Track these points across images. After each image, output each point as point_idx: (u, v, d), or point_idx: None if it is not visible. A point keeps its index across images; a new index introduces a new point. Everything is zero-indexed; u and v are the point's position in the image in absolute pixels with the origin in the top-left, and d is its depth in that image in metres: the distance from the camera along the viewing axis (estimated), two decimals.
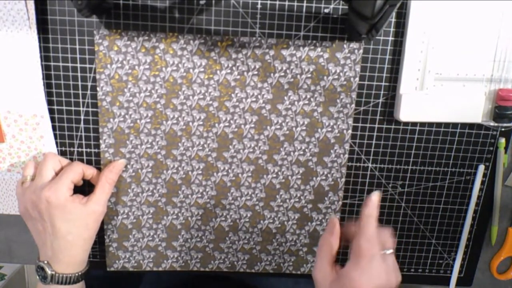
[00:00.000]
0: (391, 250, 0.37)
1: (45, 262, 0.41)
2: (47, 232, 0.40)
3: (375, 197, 0.37)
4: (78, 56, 0.42)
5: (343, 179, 0.47)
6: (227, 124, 0.44)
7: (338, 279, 0.37)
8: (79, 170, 0.42)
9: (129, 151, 0.45)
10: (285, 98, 0.44)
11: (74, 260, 0.42)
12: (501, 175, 0.47)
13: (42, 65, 0.42)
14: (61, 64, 0.42)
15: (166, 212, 0.47)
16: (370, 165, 0.47)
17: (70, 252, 0.41)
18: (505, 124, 0.44)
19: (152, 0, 0.41)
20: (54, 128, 0.44)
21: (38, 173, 0.41)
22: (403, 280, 0.52)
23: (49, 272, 0.40)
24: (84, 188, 0.46)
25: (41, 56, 0.41)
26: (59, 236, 0.40)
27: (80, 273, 0.42)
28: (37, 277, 0.42)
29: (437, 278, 0.52)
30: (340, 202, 0.48)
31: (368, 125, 0.45)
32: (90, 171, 0.44)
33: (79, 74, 0.42)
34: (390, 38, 0.43)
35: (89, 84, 0.43)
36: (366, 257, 0.36)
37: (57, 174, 0.42)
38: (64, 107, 0.43)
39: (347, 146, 0.46)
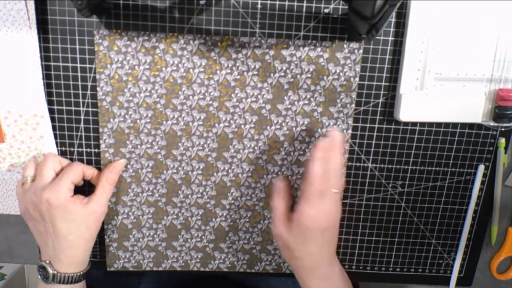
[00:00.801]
0: (337, 190, 0.40)
1: (47, 262, 0.41)
2: (48, 232, 0.41)
3: (336, 136, 0.40)
4: (78, 56, 0.42)
5: (343, 179, 0.47)
6: (227, 124, 0.44)
7: (297, 220, 0.39)
8: (79, 171, 0.42)
9: (129, 151, 0.45)
10: (285, 98, 0.44)
11: (75, 260, 0.42)
12: (501, 175, 0.47)
13: (42, 65, 0.42)
14: (61, 64, 0.42)
15: (166, 212, 0.47)
16: (370, 165, 0.47)
17: (71, 252, 0.41)
18: (505, 124, 0.44)
19: (152, 0, 0.41)
20: (54, 128, 0.44)
21: (39, 174, 0.41)
22: (403, 280, 0.52)
23: (50, 271, 0.41)
24: (84, 188, 0.46)
25: (41, 56, 0.41)
26: (60, 236, 0.40)
27: (81, 273, 0.42)
28: (39, 276, 0.42)
29: (437, 278, 0.52)
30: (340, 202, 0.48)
31: (368, 125, 0.45)
32: (90, 171, 0.44)
33: (79, 74, 0.42)
34: (390, 38, 0.43)
35: (89, 84, 0.43)
36: (317, 193, 0.38)
37: (57, 174, 0.42)
38: (64, 107, 0.44)
39: (347, 146, 0.46)
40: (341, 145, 0.41)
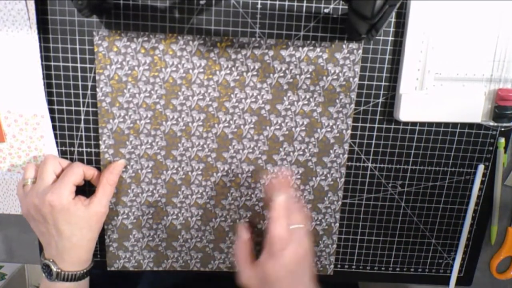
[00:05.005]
0: (302, 225, 0.39)
1: (51, 260, 0.41)
2: (51, 234, 0.41)
3: (280, 199, 0.39)
4: (78, 56, 0.42)
5: (343, 179, 0.47)
6: (226, 124, 0.44)
7: (261, 269, 0.39)
8: (80, 172, 0.42)
9: (129, 152, 0.45)
10: (285, 98, 0.44)
11: (78, 259, 0.42)
12: (501, 174, 0.47)
13: (42, 65, 0.42)
14: (61, 64, 0.42)
15: (166, 212, 0.47)
16: (370, 165, 0.47)
17: (74, 252, 0.41)
18: (504, 124, 0.44)
19: (152, 0, 0.41)
20: (54, 128, 0.44)
21: (39, 176, 0.41)
22: (403, 280, 0.52)
23: (54, 269, 0.41)
24: (85, 188, 0.46)
25: (41, 56, 0.41)
26: (63, 238, 0.40)
27: (85, 270, 0.42)
28: (43, 273, 0.42)
29: (437, 277, 0.52)
30: (340, 202, 0.48)
31: (368, 125, 0.45)
32: (90, 172, 0.44)
33: (79, 74, 0.43)
34: (390, 38, 0.43)
35: (89, 84, 0.43)
36: (279, 248, 0.37)
37: (58, 176, 0.42)
38: (64, 107, 0.44)
39: (346, 146, 0.46)
40: (289, 182, 0.42)
